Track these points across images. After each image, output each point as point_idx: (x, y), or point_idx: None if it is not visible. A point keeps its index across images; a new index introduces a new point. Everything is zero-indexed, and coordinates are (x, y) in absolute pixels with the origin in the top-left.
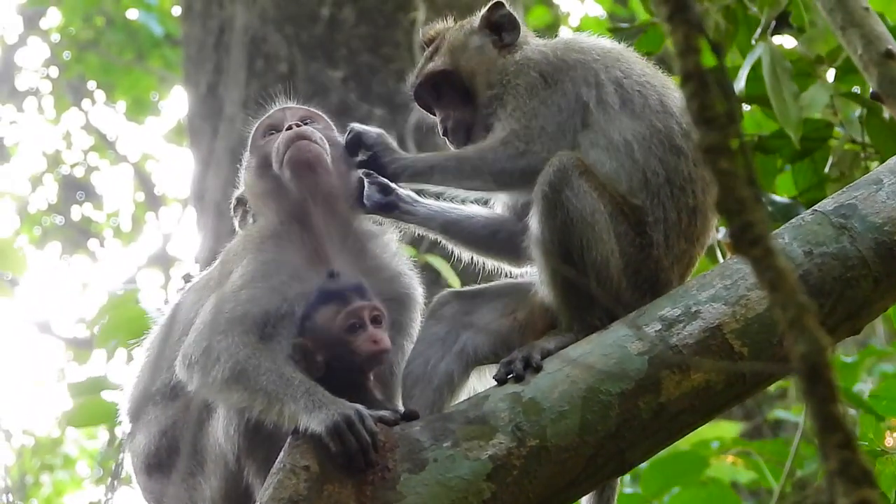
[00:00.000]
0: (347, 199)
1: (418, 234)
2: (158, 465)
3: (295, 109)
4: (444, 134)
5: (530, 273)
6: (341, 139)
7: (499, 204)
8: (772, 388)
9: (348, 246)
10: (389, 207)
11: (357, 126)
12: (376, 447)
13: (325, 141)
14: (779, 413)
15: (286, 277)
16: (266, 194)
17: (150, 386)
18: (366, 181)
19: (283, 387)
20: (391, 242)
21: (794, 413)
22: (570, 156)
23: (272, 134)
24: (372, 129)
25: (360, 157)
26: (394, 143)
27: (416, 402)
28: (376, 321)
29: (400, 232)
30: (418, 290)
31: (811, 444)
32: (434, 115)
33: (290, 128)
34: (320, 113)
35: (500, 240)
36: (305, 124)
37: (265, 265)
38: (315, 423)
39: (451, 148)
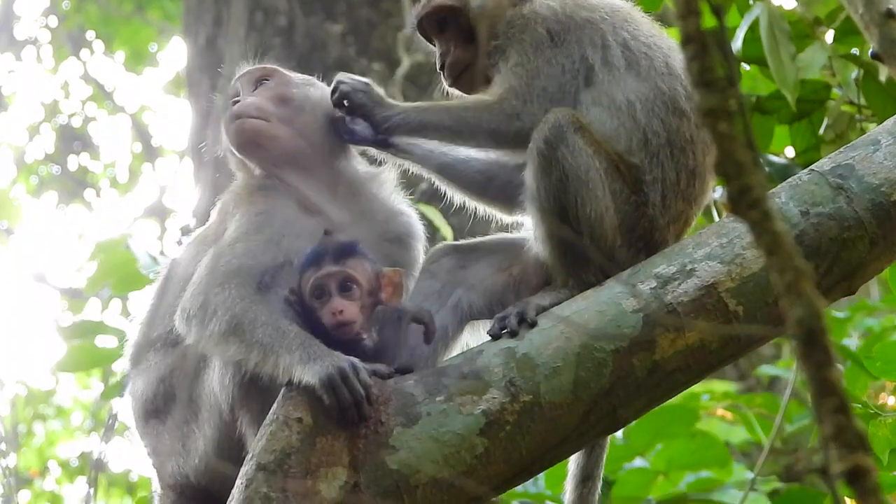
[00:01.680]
0: (326, 147)
1: (412, 173)
2: (155, 411)
3: (249, 74)
4: (441, 68)
5: (524, 226)
6: (316, 89)
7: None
8: (766, 348)
9: (340, 192)
10: (383, 144)
11: (342, 78)
12: (370, 400)
13: (271, 105)
14: (769, 369)
15: (280, 228)
16: (239, 162)
17: (150, 332)
18: (347, 118)
19: (279, 339)
20: (387, 182)
21: (781, 366)
22: (565, 112)
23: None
24: (357, 81)
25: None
26: (381, 93)
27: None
28: (345, 289)
29: (398, 170)
30: (418, 227)
31: (801, 399)
32: (433, 46)
33: (234, 103)
34: (276, 68)
35: (496, 187)
36: (261, 84)
37: (258, 216)
38: (309, 375)
39: (445, 84)
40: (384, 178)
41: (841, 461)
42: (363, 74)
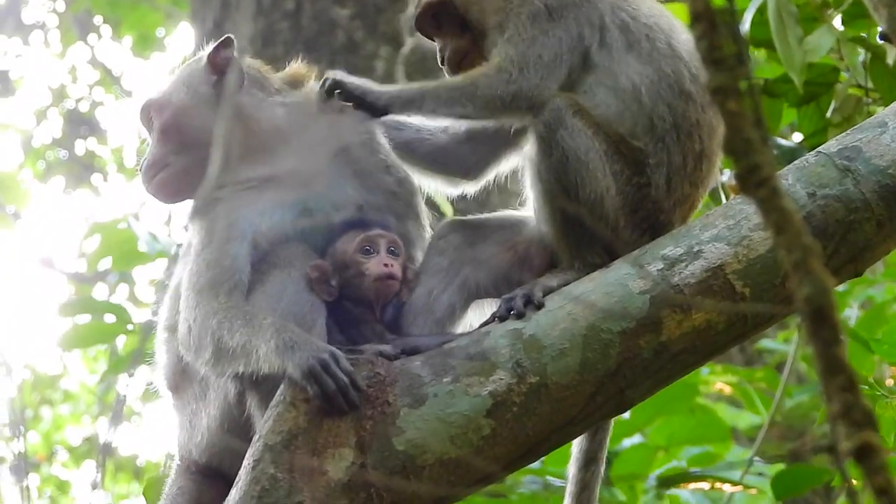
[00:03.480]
0: (228, 127)
1: None
2: (176, 386)
3: (142, 117)
4: (443, 63)
5: (528, 206)
6: (182, 88)
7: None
8: (771, 331)
9: (271, 145)
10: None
11: (331, 74)
12: (356, 386)
13: (161, 146)
14: (767, 343)
15: (233, 221)
16: None
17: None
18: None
19: (254, 334)
20: (310, 100)
21: (780, 340)
22: (564, 96)
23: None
24: (344, 73)
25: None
26: (373, 83)
27: (419, 334)
28: (391, 252)
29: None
30: (359, 123)
31: (800, 375)
32: (433, 41)
33: None
34: (149, 101)
35: (450, 159)
36: (151, 122)
37: (212, 221)
38: (290, 366)
39: (448, 76)
40: (308, 99)
41: (849, 439)
42: (370, 59)
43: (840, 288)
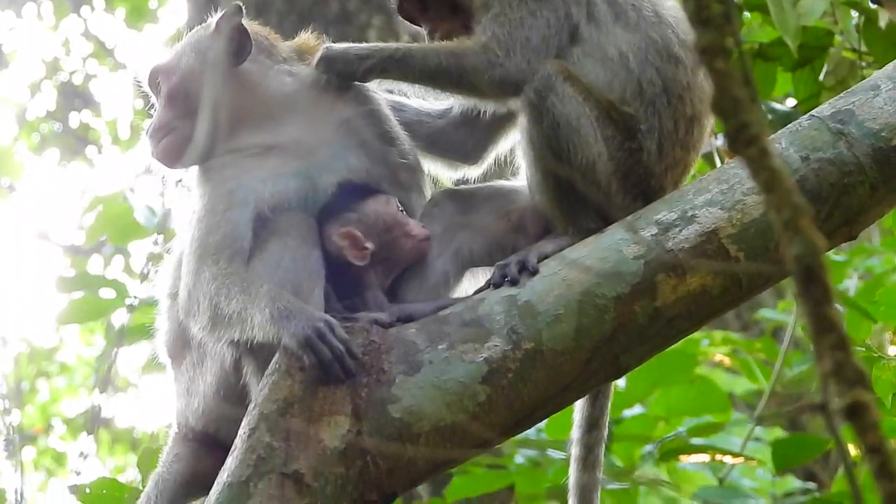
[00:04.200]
0: (235, 94)
1: None
2: (175, 354)
3: (150, 83)
4: None
5: (520, 174)
6: (190, 54)
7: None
8: (767, 297)
9: (278, 114)
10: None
11: (318, 58)
12: (352, 354)
13: (169, 112)
14: (768, 313)
15: (234, 188)
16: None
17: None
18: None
19: (250, 302)
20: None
21: (780, 309)
22: (554, 62)
23: None
24: (330, 47)
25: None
26: (352, 44)
27: (413, 301)
28: None
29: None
30: (363, 93)
31: (800, 345)
32: (420, 26)
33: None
34: (157, 66)
35: (446, 142)
36: (158, 88)
37: (215, 186)
38: (286, 336)
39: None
40: (313, 72)
41: (840, 397)
42: (364, 28)
43: (839, 258)
